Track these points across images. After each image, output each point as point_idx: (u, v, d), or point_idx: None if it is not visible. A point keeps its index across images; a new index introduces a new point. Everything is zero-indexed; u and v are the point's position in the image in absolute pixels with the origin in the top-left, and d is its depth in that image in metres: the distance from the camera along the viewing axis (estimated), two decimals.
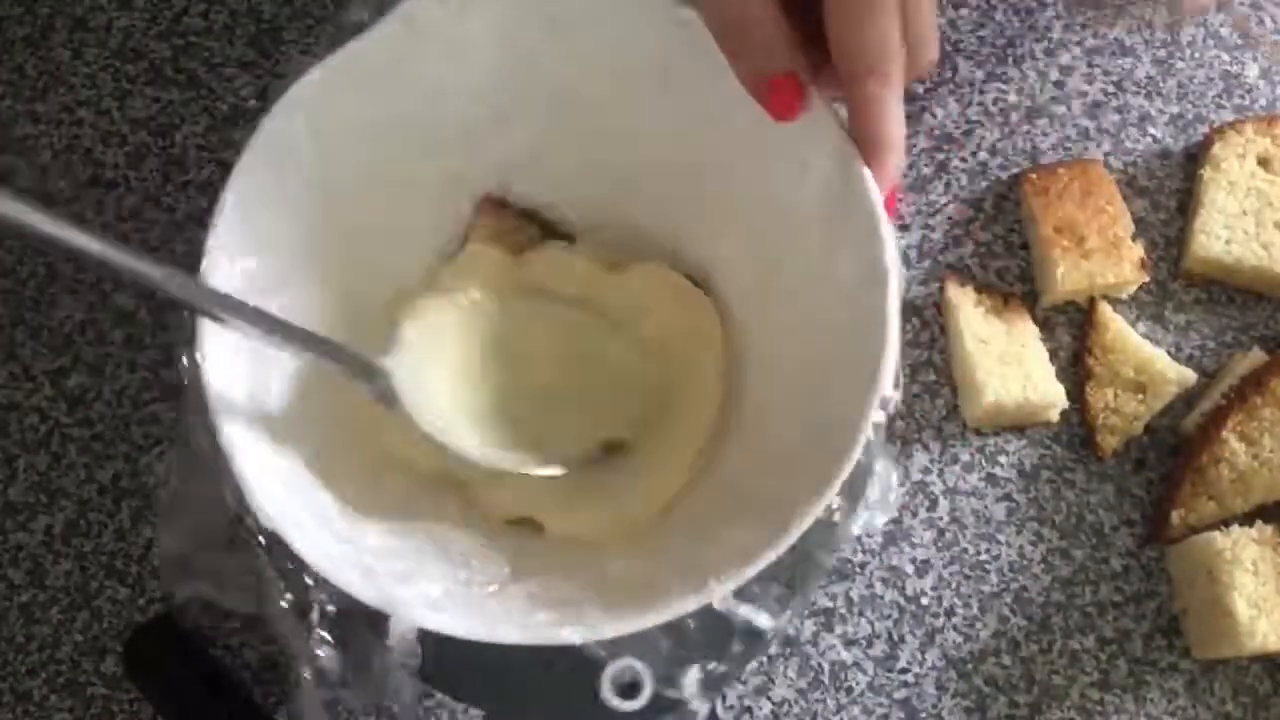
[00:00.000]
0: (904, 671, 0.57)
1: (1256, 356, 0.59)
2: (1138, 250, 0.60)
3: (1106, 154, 0.64)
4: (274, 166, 0.48)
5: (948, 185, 0.64)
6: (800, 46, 0.45)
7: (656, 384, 0.53)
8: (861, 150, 0.45)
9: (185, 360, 0.45)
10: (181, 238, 0.62)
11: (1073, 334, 0.61)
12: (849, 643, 0.57)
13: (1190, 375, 0.59)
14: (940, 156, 0.64)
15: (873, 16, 0.43)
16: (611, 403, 0.53)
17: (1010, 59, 0.66)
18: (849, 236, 0.46)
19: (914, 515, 0.59)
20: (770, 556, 0.43)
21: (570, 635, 0.43)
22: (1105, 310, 0.60)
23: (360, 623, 0.44)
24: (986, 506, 0.59)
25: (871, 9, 0.43)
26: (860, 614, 0.57)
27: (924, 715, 0.56)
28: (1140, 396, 0.59)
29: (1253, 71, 0.66)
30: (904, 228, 0.63)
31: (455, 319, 0.53)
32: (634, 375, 0.53)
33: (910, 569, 0.58)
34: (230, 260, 0.47)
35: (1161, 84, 0.66)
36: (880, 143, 0.45)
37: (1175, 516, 0.57)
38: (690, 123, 0.51)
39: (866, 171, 0.45)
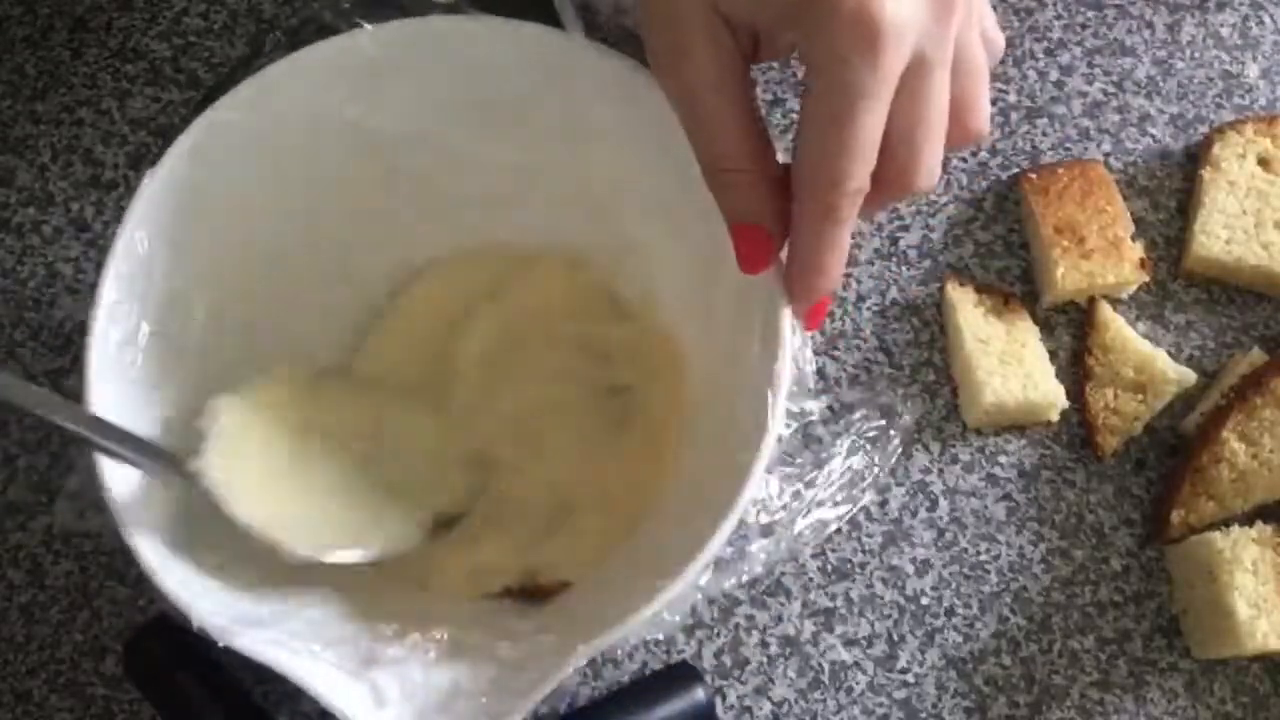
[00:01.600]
0: (904, 671, 0.57)
1: (1256, 356, 0.59)
2: (1138, 250, 0.60)
3: (1106, 154, 0.64)
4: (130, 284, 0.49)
5: (948, 185, 0.64)
6: (783, 201, 0.43)
7: (470, 456, 0.54)
8: (787, 264, 0.43)
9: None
10: None
11: (1073, 334, 0.61)
12: (849, 643, 0.57)
13: (1190, 375, 0.59)
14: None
15: (837, 148, 0.40)
16: (429, 478, 0.53)
17: (1010, 59, 0.66)
18: (757, 331, 0.47)
19: (914, 515, 0.59)
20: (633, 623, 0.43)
21: None
22: (1105, 310, 0.60)
23: None
24: (986, 506, 0.59)
25: (837, 141, 0.40)
26: (860, 614, 0.57)
27: (924, 715, 0.56)
28: (1140, 396, 0.59)
29: (1253, 71, 0.66)
30: (904, 228, 0.63)
31: (261, 411, 0.52)
32: (441, 450, 0.54)
33: (910, 569, 0.58)
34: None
35: (1161, 84, 0.66)
36: (803, 267, 0.43)
37: (1175, 516, 0.57)
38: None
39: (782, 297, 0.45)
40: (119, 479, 0.46)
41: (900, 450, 0.59)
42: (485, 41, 0.51)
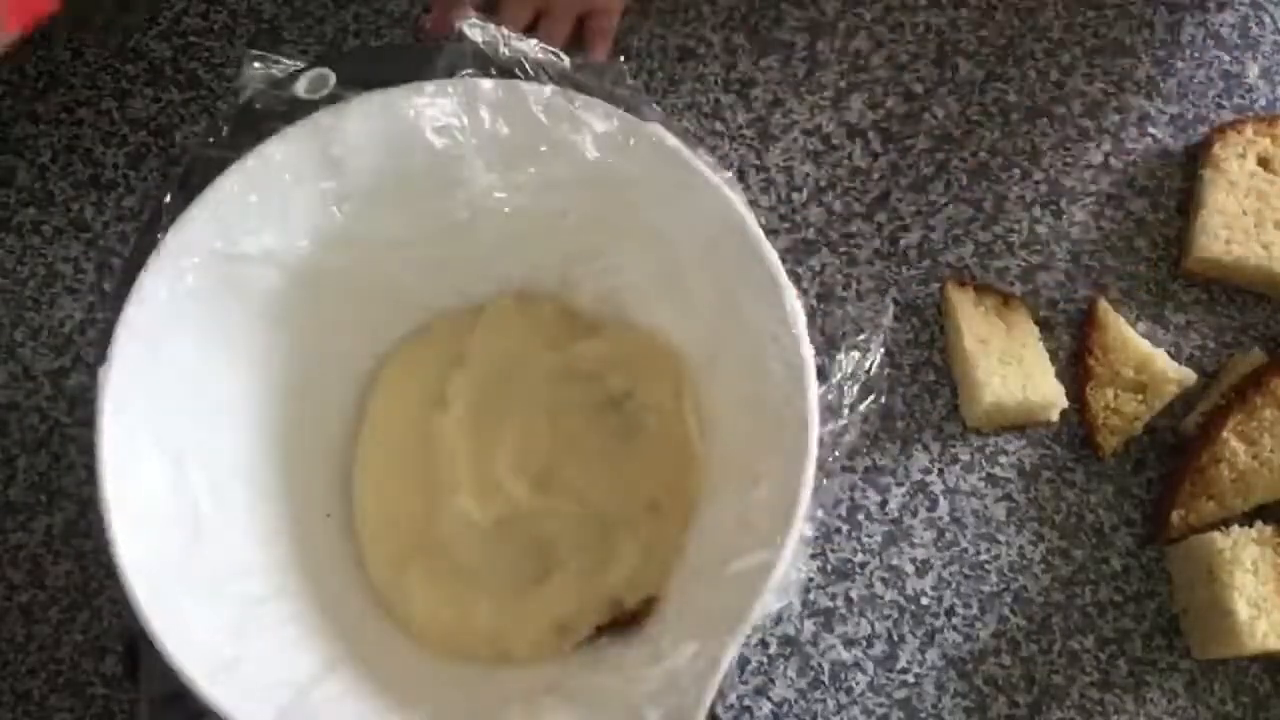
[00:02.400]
0: (904, 671, 0.56)
1: (1256, 356, 0.59)
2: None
3: (1107, 154, 0.64)
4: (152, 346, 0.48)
5: (948, 185, 0.64)
6: None
7: (500, 518, 0.54)
8: None
9: None
10: None
11: (1072, 334, 0.61)
12: (849, 643, 0.57)
13: (1190, 375, 0.59)
14: (940, 156, 0.64)
15: None
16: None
17: (1010, 59, 0.66)
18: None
19: (914, 515, 0.59)
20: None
21: None
22: (1105, 310, 0.60)
23: None
24: (986, 506, 0.59)
25: None
26: (860, 614, 0.57)
27: (924, 715, 0.56)
28: (1140, 396, 0.59)
29: (1253, 71, 0.66)
30: (904, 228, 0.63)
31: None
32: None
33: (910, 569, 0.58)
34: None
35: (1161, 84, 0.66)
36: None
37: (1175, 516, 0.57)
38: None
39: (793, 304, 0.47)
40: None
41: (899, 450, 0.59)
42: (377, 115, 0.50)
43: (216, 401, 0.51)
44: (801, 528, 0.45)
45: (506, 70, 0.50)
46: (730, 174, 0.50)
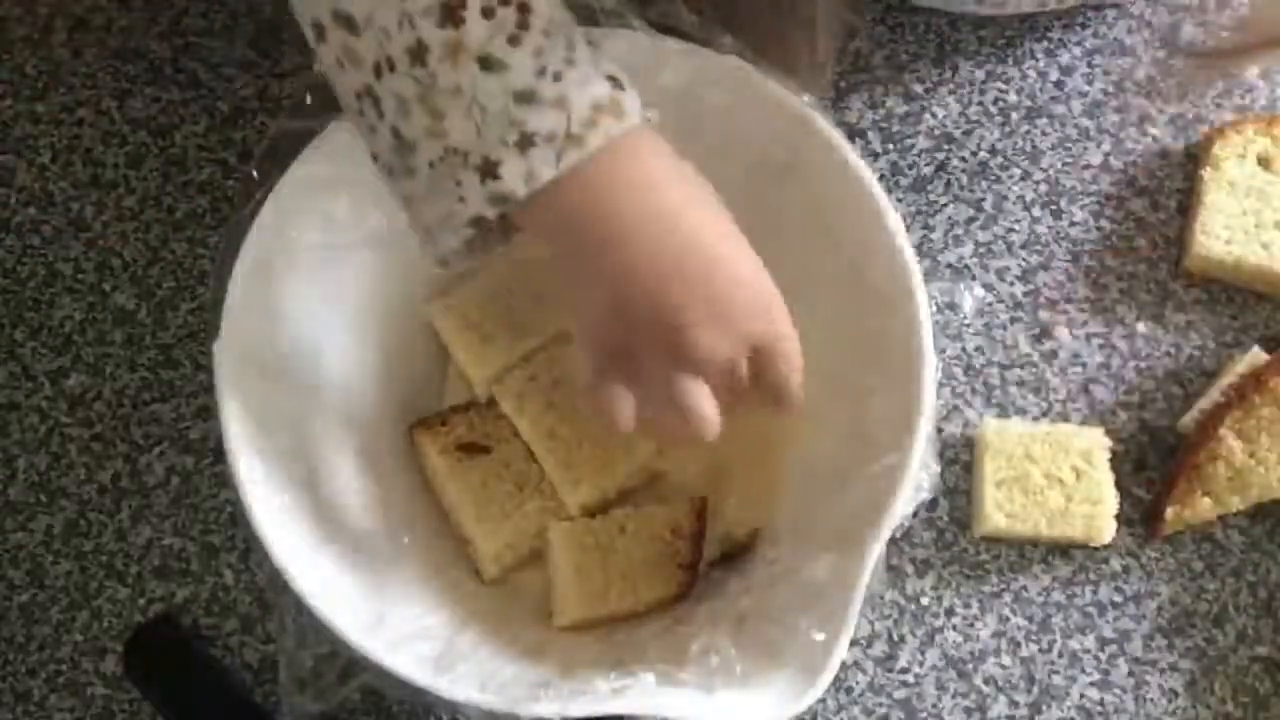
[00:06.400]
0: (904, 671, 0.56)
1: (1256, 356, 0.59)
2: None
3: (1106, 154, 0.64)
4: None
5: (948, 185, 0.63)
6: None
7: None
8: None
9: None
10: (181, 237, 0.62)
11: (1072, 334, 0.61)
12: (849, 643, 0.57)
13: None
14: (940, 156, 0.64)
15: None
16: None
17: (1010, 59, 0.66)
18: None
19: (914, 515, 0.58)
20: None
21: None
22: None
23: None
24: None
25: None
26: (860, 614, 0.57)
27: (924, 715, 0.56)
28: None
29: (1253, 71, 0.66)
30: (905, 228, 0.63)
31: None
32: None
33: (910, 569, 0.58)
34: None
35: (1161, 84, 0.66)
36: None
37: (1170, 512, 0.57)
38: None
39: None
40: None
41: None
42: None
43: (320, 366, 0.52)
44: (928, 427, 0.47)
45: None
46: (810, 98, 0.51)
